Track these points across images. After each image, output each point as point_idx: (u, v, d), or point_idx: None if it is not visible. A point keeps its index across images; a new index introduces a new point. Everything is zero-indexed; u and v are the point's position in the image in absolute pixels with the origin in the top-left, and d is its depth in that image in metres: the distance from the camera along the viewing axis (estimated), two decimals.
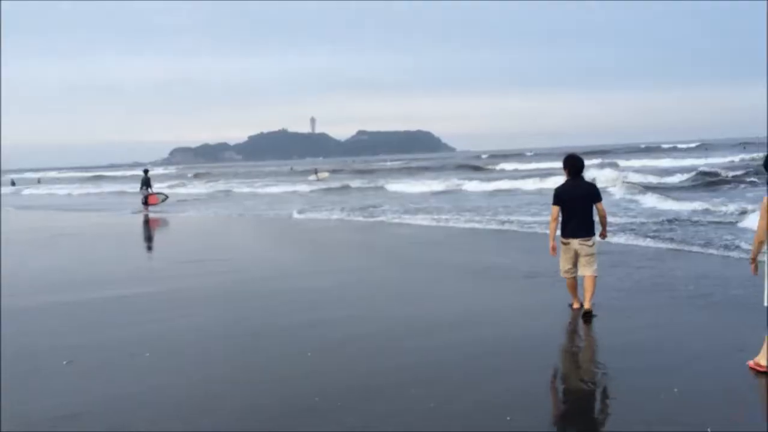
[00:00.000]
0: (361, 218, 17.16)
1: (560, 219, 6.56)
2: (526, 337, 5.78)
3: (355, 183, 37.01)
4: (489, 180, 30.95)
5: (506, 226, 13.76)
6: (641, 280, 7.89)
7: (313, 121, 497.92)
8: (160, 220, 19.44)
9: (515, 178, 31.62)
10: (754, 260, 4.77)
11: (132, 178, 66.10)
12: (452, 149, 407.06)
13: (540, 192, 23.85)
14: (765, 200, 4.54)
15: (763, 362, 4.66)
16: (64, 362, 5.33)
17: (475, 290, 7.84)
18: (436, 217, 16.12)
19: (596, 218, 6.56)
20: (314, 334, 6.01)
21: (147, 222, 19.21)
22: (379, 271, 9.32)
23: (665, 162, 44.64)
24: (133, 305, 7.45)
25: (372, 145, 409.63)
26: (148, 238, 15.76)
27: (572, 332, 6.03)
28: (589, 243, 6.48)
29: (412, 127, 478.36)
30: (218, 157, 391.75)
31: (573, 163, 6.61)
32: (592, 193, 6.54)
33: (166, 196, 25.70)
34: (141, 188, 24.11)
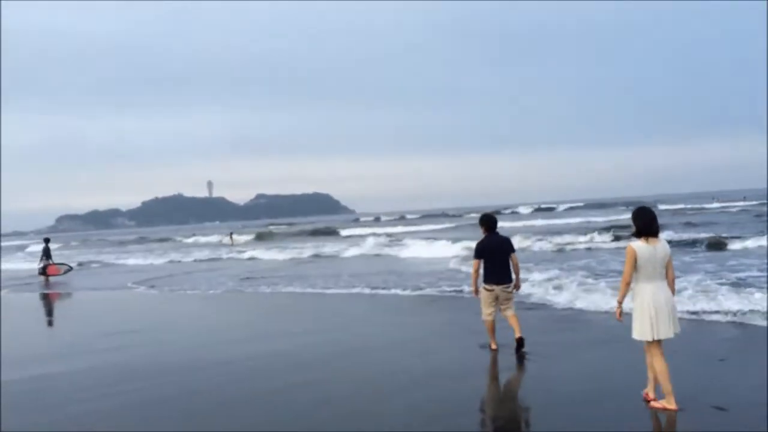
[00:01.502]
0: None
1: (481, 270, 7.43)
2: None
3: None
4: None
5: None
6: None
7: (210, 184, 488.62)
8: (63, 293, 18.17)
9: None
10: (620, 304, 5.29)
11: (13, 248, 61.91)
12: (351, 211, 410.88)
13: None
14: (629, 247, 5.16)
15: (651, 393, 5.30)
16: None
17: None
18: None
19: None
20: (281, 400, 5.91)
21: (47, 295, 17.81)
22: (319, 335, 9.29)
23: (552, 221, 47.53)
24: (66, 384, 7.00)
25: (271, 209, 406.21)
26: (52, 312, 14.79)
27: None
28: (509, 289, 7.45)
29: (310, 189, 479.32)
30: (109, 224, 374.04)
31: (489, 221, 7.57)
32: (508, 246, 7.47)
33: (71, 267, 23.72)
34: (41, 258, 22.63)
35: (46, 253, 22.66)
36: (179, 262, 29.06)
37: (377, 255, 25.16)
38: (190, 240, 56.07)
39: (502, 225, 8.45)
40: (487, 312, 7.51)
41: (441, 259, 20.69)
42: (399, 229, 51.20)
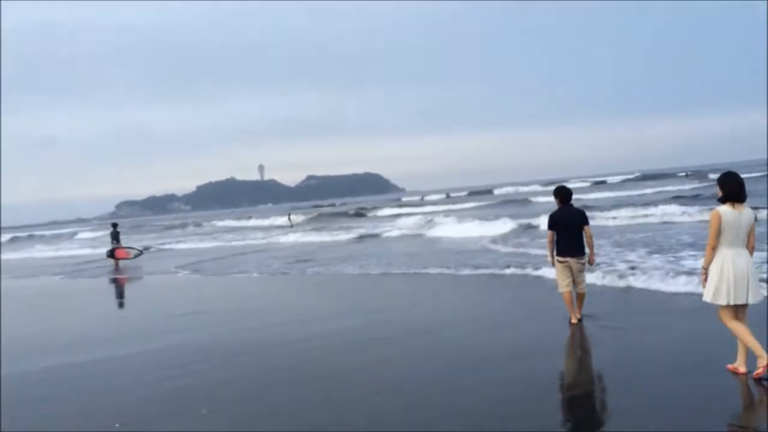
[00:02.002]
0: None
1: (555, 241, 7.46)
2: None
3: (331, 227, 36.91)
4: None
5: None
6: None
7: (261, 168, 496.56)
8: (135, 276, 18.76)
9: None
10: (705, 270, 5.22)
11: (69, 236, 64.44)
12: (401, 189, 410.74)
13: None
14: (714, 212, 5.12)
15: (741, 368, 5.18)
16: (117, 425, 5.19)
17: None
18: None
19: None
20: (366, 375, 6.01)
21: (117, 280, 18.38)
22: (390, 312, 9.35)
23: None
24: (159, 361, 7.26)
25: (321, 190, 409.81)
26: (124, 295, 15.33)
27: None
28: (582, 261, 7.43)
29: (360, 169, 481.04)
30: (166, 209, 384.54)
31: (563, 193, 7.51)
32: (581, 218, 7.38)
33: (140, 251, 24.01)
34: (112, 242, 23.37)
35: (115, 237, 23.35)
36: (240, 244, 29.63)
37: (417, 235, 25.01)
38: (250, 222, 56.61)
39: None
40: (563, 284, 7.50)
41: (475, 239, 20.51)
42: (440, 207, 51.00)
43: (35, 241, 64.25)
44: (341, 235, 28.38)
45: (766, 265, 9.27)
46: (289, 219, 51.00)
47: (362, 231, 29.53)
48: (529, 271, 11.93)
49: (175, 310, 11.21)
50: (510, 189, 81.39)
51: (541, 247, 15.52)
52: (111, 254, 22.89)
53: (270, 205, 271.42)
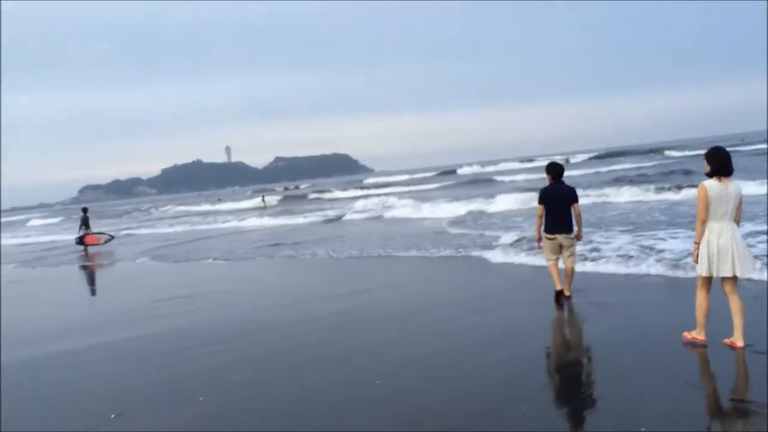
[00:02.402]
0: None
1: (544, 216, 7.55)
2: None
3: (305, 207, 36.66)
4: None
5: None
6: None
7: (228, 150, 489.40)
8: (108, 263, 18.38)
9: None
10: (697, 245, 5.32)
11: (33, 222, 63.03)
12: (371, 170, 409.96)
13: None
14: (701, 186, 5.24)
15: (699, 336, 5.45)
16: (113, 416, 5.09)
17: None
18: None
19: None
20: (366, 358, 5.97)
21: (89, 267, 17.97)
22: (367, 296, 9.32)
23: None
24: (148, 347, 7.14)
25: (289, 171, 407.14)
26: (99, 282, 15.04)
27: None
28: (571, 236, 7.52)
29: (328, 150, 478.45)
30: (131, 192, 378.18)
31: (555, 169, 7.61)
32: (571, 195, 7.47)
33: (111, 237, 23.65)
34: (80, 228, 22.90)
35: (85, 223, 22.89)
36: (212, 227, 29.31)
37: (376, 217, 24.99)
38: (221, 206, 55.63)
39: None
40: (549, 257, 7.70)
41: (435, 220, 20.80)
42: (401, 189, 51.36)
43: None
44: (309, 217, 28.25)
45: (766, 243, 9.30)
46: (263, 201, 51.61)
47: (328, 213, 29.56)
48: (477, 252, 12.09)
49: (155, 296, 11.07)
50: (476, 168, 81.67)
51: (488, 228, 15.91)
52: (81, 241, 22.44)
53: (237, 187, 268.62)
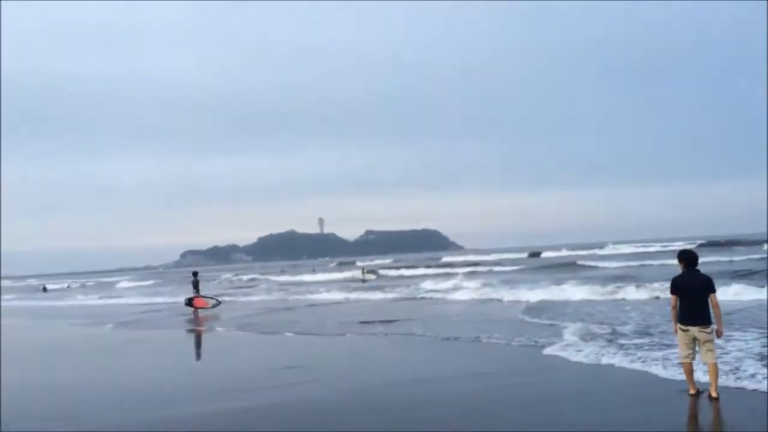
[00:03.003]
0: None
1: (678, 307, 7.19)
2: None
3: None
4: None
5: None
6: None
7: (321, 221, 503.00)
8: (216, 327, 19.14)
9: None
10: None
11: (140, 286, 66.32)
12: (460, 247, 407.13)
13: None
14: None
15: None
16: None
17: None
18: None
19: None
20: None
21: (195, 330, 18.72)
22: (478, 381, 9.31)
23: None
24: (260, 420, 7.46)
25: (380, 245, 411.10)
26: (208, 347, 15.70)
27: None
28: (708, 330, 7.04)
29: (418, 225, 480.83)
30: (229, 258, 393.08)
31: (688, 257, 7.31)
32: (707, 285, 7.10)
33: (218, 302, 24.56)
34: (192, 291, 24.11)
35: (195, 286, 24.14)
36: (307, 297, 30.03)
37: (447, 297, 25.12)
38: (318, 277, 56.68)
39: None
40: (683, 354, 7.27)
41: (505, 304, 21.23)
42: (482, 269, 51.09)
43: (102, 287, 66.71)
44: (390, 293, 28.86)
45: None
46: (362, 273, 51.29)
47: (405, 290, 30.04)
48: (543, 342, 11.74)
49: (269, 365, 11.51)
50: (564, 252, 79.14)
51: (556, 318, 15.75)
52: (190, 303, 23.56)
53: (328, 258, 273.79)
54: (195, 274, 25.46)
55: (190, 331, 18.97)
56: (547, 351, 11.30)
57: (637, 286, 21.54)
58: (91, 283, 78.55)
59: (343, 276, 53.51)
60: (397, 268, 62.04)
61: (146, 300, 35.85)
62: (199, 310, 23.36)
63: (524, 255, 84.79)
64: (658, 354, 10.05)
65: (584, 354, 10.67)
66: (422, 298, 26.38)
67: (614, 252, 71.00)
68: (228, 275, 74.68)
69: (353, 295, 29.50)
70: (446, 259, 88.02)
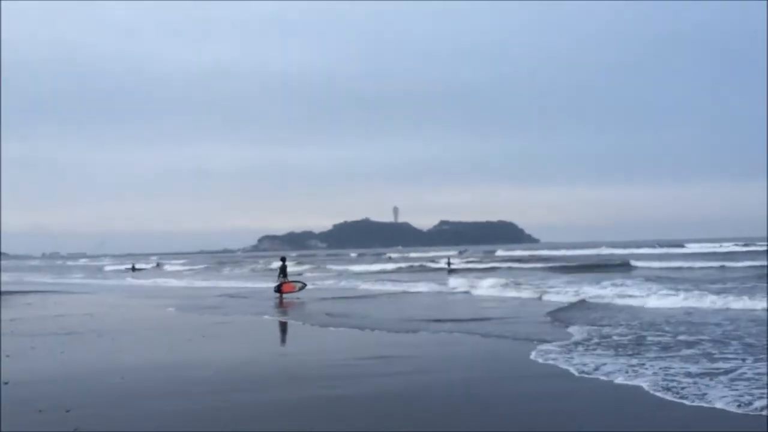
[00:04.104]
0: None
1: None
2: None
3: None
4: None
5: None
6: None
7: (396, 210, 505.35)
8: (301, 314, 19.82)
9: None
10: None
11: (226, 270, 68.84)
12: (536, 240, 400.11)
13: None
14: None
15: None
16: None
17: None
18: None
19: None
20: None
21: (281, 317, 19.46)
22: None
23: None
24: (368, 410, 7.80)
25: (453, 236, 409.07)
26: (295, 334, 16.22)
27: None
28: None
29: (493, 217, 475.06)
30: (304, 245, 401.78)
31: None
32: None
33: (304, 284, 25.49)
34: (279, 276, 24.99)
35: (283, 271, 24.95)
36: (381, 288, 30.53)
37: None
38: (399, 264, 58.80)
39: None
40: None
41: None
42: (525, 266, 51.77)
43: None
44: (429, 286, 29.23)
45: None
46: (449, 264, 53.75)
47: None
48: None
49: (354, 354, 11.88)
50: (620, 250, 76.50)
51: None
52: (278, 289, 24.44)
53: (400, 247, 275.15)
54: (283, 259, 26.46)
55: (276, 316, 19.71)
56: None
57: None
58: (177, 266, 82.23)
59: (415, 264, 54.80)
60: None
61: (231, 284, 37.45)
62: (285, 296, 24.18)
63: (584, 251, 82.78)
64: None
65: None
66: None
67: (695, 250, 68.55)
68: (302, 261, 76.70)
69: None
70: (501, 252, 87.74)
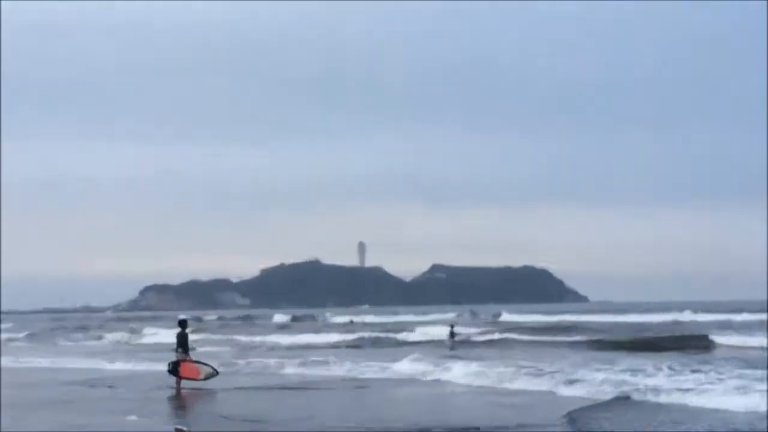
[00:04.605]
0: None
1: None
2: None
3: None
4: None
5: None
6: None
7: (362, 248, 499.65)
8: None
9: None
10: None
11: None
12: (582, 298, 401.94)
13: None
14: None
15: None
16: None
17: None
18: None
19: None
20: None
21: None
22: None
23: None
24: None
25: (452, 289, 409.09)
26: None
27: None
28: None
29: (516, 260, 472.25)
30: (215, 300, 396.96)
31: None
32: None
33: (215, 371, 25.21)
34: (176, 351, 24.70)
35: (182, 344, 24.48)
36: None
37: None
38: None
39: None
40: None
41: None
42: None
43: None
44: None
45: None
46: (451, 336, 53.96)
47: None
48: None
49: None
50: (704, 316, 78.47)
51: None
52: (174, 369, 24.47)
53: (366, 306, 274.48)
54: (183, 324, 25.33)
55: (147, 417, 19.59)
56: None
57: None
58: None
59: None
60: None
61: (88, 364, 37.82)
62: (183, 381, 24.51)
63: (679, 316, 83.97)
64: None
65: None
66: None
67: None
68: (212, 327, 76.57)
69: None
70: (524, 317, 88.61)
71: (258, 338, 61.21)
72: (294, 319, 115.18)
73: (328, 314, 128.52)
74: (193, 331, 61.70)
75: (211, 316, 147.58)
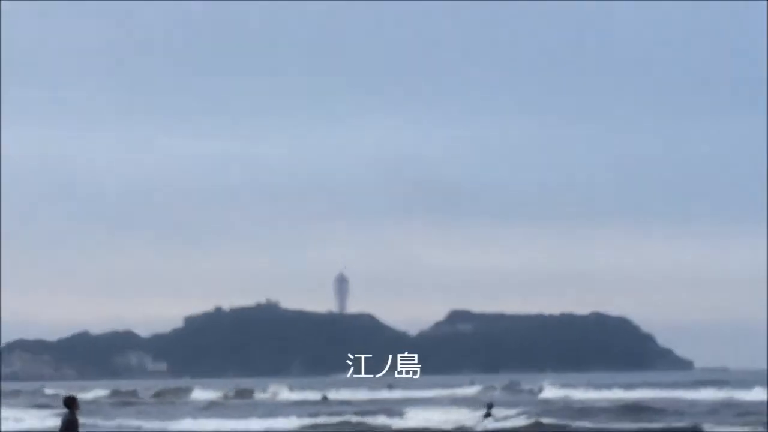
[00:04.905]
0: None
1: None
2: None
3: None
4: None
5: None
6: None
7: (342, 283, 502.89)
8: None
9: None
10: None
11: None
12: (686, 364, 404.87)
13: None
14: None
15: None
16: None
17: None
18: None
19: None
20: None
21: None
22: None
23: None
24: None
25: (483, 348, 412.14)
26: None
27: None
28: None
29: (583, 307, 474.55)
30: (111, 365, 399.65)
31: None
32: None
33: None
34: None
35: (69, 428, 24.58)
36: None
37: None
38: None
39: None
40: None
41: None
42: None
43: None
44: None
45: None
46: (486, 416, 57.25)
47: None
48: None
49: None
50: None
51: None
52: None
53: (350, 376, 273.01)
54: (69, 403, 25.79)
55: None
56: None
57: None
58: None
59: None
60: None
61: None
62: None
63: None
64: None
65: None
66: None
67: None
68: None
69: None
70: (592, 393, 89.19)
71: (173, 427, 60.61)
72: (232, 394, 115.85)
73: (286, 387, 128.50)
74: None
75: (102, 390, 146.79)
